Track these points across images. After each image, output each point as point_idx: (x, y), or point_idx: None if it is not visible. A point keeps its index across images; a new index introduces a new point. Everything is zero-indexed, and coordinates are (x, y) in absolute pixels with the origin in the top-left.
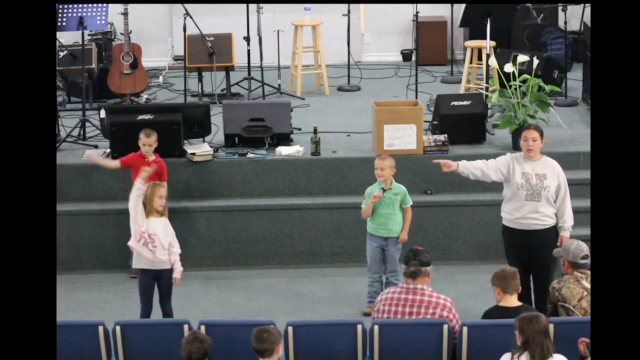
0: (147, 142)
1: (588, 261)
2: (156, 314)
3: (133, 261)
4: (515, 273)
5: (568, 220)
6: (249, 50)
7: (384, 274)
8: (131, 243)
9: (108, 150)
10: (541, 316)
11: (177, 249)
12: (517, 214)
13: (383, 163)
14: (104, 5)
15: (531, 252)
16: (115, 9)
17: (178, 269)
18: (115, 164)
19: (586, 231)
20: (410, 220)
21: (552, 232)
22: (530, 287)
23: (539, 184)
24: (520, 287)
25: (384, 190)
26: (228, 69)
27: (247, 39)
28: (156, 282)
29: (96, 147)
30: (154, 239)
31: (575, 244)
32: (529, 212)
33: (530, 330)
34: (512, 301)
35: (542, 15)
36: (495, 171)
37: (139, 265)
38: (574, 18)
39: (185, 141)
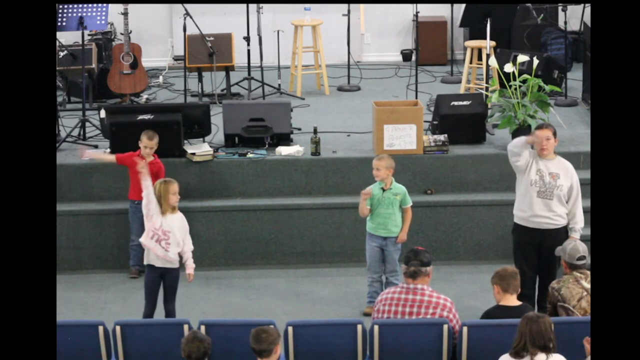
0: (149, 144)
1: (585, 262)
2: (158, 314)
3: (144, 257)
4: (516, 273)
5: (579, 221)
6: (249, 50)
7: (383, 274)
8: (143, 240)
9: (108, 150)
10: (543, 317)
11: (190, 245)
12: (529, 211)
13: (379, 163)
14: (104, 5)
15: (541, 251)
16: (115, 9)
17: (191, 266)
18: (111, 158)
19: (586, 231)
20: (409, 221)
21: (563, 232)
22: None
23: (552, 183)
24: (526, 286)
25: (384, 190)
26: (228, 69)
27: (247, 39)
28: (162, 280)
29: (96, 147)
30: (169, 236)
31: (572, 245)
32: (541, 210)
33: (526, 331)
34: (513, 300)
35: (542, 15)
36: (526, 155)
37: (148, 261)
38: (574, 18)
39: (185, 141)
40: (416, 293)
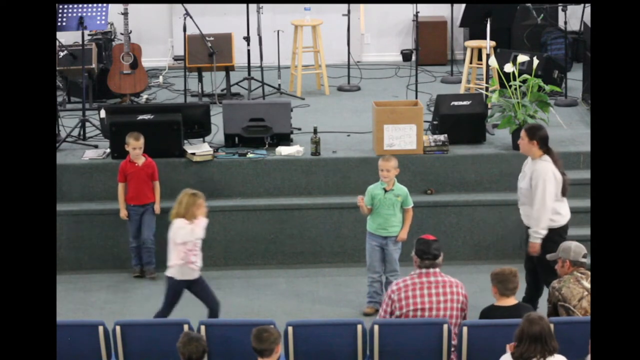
0: (137, 145)
1: (587, 260)
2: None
3: (177, 273)
4: (512, 274)
5: (533, 225)
6: (249, 50)
7: (383, 274)
8: (175, 262)
9: (108, 150)
10: (542, 319)
11: None
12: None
13: (388, 164)
14: (104, 5)
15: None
16: (115, 9)
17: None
18: (121, 192)
19: (586, 231)
20: (410, 221)
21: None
22: (536, 286)
23: (520, 187)
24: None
25: (386, 190)
26: (228, 69)
27: (247, 39)
28: (187, 288)
29: (96, 147)
30: (198, 245)
31: (574, 244)
32: (523, 214)
33: (527, 331)
34: (509, 300)
35: (542, 15)
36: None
37: (182, 276)
38: (574, 18)
39: (185, 141)
40: (432, 275)
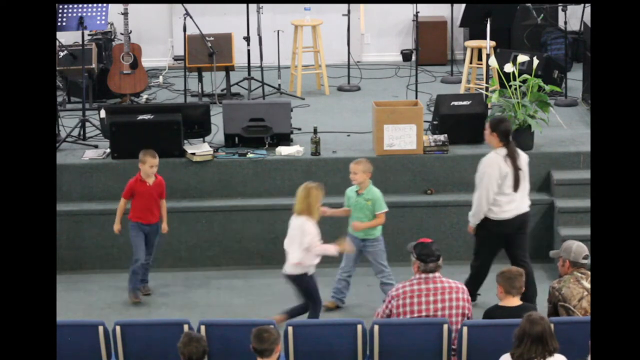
0: (155, 162)
1: (588, 261)
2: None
3: (309, 267)
4: (519, 273)
5: (471, 210)
6: (249, 50)
7: (376, 276)
8: (318, 253)
9: (108, 150)
10: (543, 319)
11: None
12: None
13: (356, 167)
14: (104, 5)
15: None
16: (115, 9)
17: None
18: (122, 208)
19: (586, 231)
20: (374, 224)
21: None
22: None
23: None
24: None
25: (358, 194)
26: (228, 69)
27: (247, 39)
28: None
29: (96, 147)
30: None
31: (576, 244)
32: None
33: (527, 331)
34: (514, 301)
35: (542, 15)
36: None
37: (313, 271)
38: (574, 18)
39: (185, 141)
40: (432, 282)
